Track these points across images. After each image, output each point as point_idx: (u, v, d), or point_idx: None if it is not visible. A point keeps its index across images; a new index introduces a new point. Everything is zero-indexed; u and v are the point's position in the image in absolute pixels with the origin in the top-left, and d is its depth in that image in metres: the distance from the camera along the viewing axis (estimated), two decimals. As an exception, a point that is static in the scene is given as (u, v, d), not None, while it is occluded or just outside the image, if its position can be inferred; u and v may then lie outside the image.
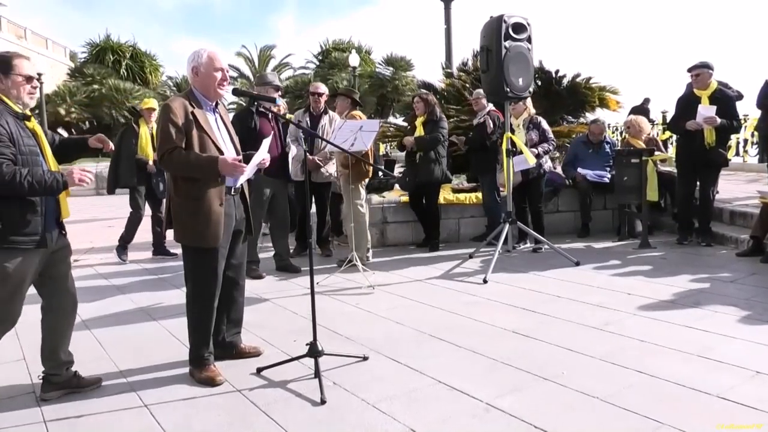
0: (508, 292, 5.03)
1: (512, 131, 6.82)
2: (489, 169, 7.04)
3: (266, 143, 3.48)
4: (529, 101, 6.74)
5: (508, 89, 5.60)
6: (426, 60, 67.72)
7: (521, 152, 6.21)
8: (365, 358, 3.56)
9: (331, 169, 6.58)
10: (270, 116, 6.35)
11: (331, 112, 6.77)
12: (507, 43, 5.58)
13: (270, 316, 4.60)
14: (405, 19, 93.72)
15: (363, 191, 6.24)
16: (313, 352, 3.31)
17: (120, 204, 13.72)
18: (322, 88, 6.78)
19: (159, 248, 7.25)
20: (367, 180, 6.28)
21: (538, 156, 6.46)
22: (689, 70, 6.39)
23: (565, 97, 8.09)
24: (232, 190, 3.41)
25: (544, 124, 6.85)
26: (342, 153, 5.63)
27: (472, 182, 7.98)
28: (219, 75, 3.34)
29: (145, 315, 4.78)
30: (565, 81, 8.85)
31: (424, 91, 8.14)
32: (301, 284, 5.56)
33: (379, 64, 34.60)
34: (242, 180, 3.39)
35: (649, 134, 7.40)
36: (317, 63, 38.30)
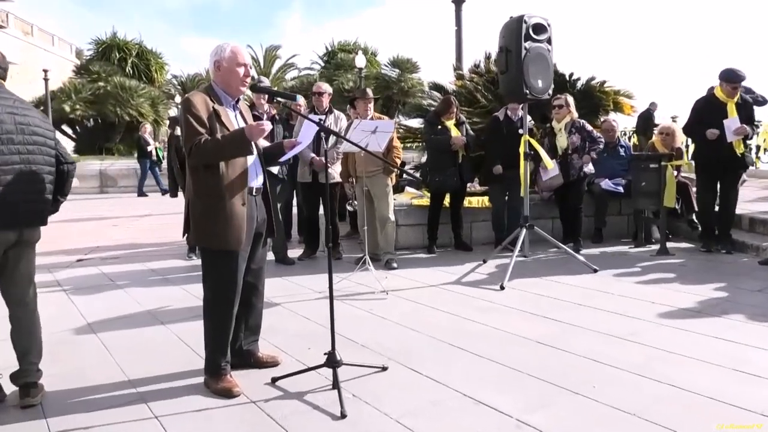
0: (527, 299, 4.88)
1: (554, 135, 6.75)
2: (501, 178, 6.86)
3: (308, 128, 3.45)
4: (572, 104, 6.88)
5: (527, 91, 5.46)
6: (431, 62, 67.61)
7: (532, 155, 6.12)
8: (384, 369, 3.41)
9: (338, 169, 6.48)
10: (264, 118, 6.28)
11: (336, 111, 6.66)
12: (527, 44, 5.44)
13: (281, 322, 4.45)
14: (411, 21, 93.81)
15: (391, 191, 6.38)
16: (332, 362, 3.17)
17: (125, 203, 13.69)
18: (325, 87, 6.66)
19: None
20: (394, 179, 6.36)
21: (573, 168, 6.69)
22: (732, 80, 6.11)
23: (579, 101, 7.86)
24: (254, 190, 3.28)
25: (588, 127, 6.79)
26: (367, 155, 5.60)
27: (484, 185, 7.83)
28: (242, 71, 3.22)
29: (153, 318, 4.65)
30: (579, 84, 8.69)
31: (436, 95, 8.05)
32: (311, 287, 5.42)
33: (385, 65, 34.40)
34: (287, 157, 3.47)
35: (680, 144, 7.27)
36: (322, 64, 38.17)
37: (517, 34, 5.43)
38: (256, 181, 3.31)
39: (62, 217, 11.22)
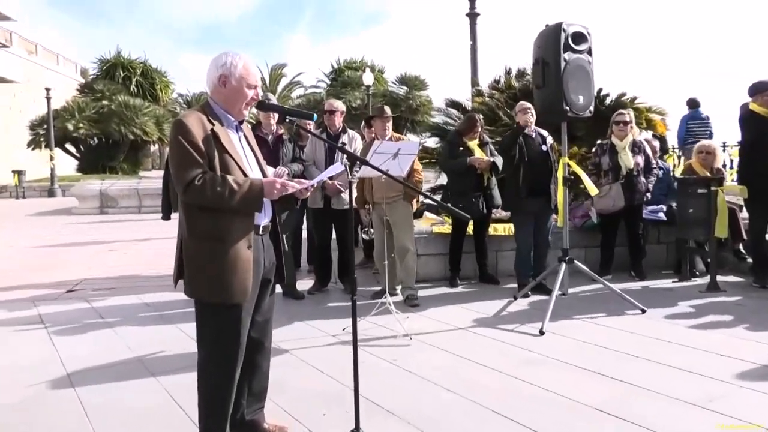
0: (572, 348, 4.24)
1: (615, 153, 6.29)
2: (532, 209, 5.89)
3: (336, 168, 2.90)
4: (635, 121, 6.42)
5: (567, 108, 4.86)
6: (440, 78, 67.49)
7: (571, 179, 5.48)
8: (420, 449, 2.78)
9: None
10: (270, 139, 5.73)
11: (350, 131, 6.10)
12: (566, 55, 4.85)
13: (290, 375, 3.81)
14: (417, 37, 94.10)
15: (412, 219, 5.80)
16: (356, 445, 2.54)
17: (125, 226, 13.10)
18: (337, 105, 6.10)
19: None
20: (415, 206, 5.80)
21: (638, 191, 6.27)
22: (764, 89, 5.65)
23: (609, 118, 7.32)
24: (261, 228, 2.68)
25: (648, 149, 6.23)
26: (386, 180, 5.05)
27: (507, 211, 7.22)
28: (251, 93, 2.65)
29: (143, 368, 4.03)
30: (608, 100, 8.10)
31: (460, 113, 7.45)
32: (324, 329, 4.80)
33: (393, 83, 34.17)
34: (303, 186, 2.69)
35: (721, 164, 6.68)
36: (328, 82, 37.94)
37: (555, 45, 4.85)
38: (265, 218, 2.71)
39: (56, 241, 10.74)
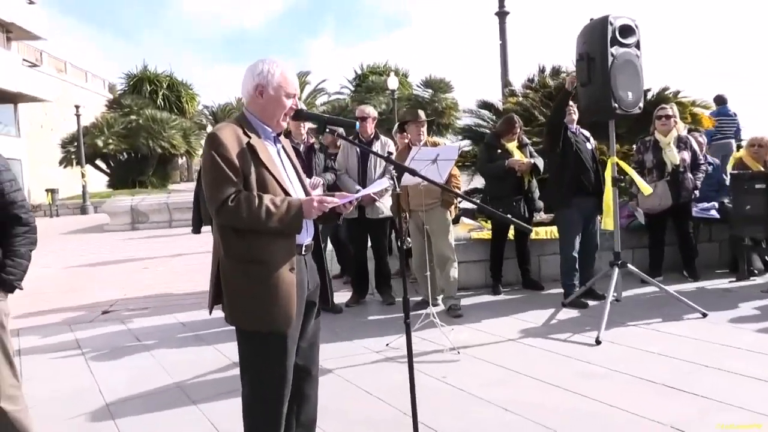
0: (633, 358, 3.97)
1: (659, 150, 6.01)
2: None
3: (382, 183, 2.78)
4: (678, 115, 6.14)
5: (616, 105, 4.59)
6: (465, 81, 67.04)
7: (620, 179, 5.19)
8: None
9: (387, 203, 5.70)
10: (302, 149, 5.57)
11: (383, 138, 5.92)
12: (613, 50, 4.58)
13: (337, 397, 3.60)
14: (440, 39, 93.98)
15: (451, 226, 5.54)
16: (419, 484, 2.33)
17: (156, 242, 13.10)
18: (369, 111, 5.93)
19: None
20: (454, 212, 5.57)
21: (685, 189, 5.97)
22: None
23: (651, 113, 7.00)
24: (303, 248, 2.48)
25: (695, 144, 5.93)
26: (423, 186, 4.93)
27: (549, 213, 6.95)
28: (290, 103, 2.46)
29: (182, 395, 3.87)
30: (650, 95, 7.79)
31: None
32: (367, 346, 4.60)
33: (417, 86, 33.94)
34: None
35: None
36: (352, 88, 37.86)
37: (602, 39, 4.58)
38: (307, 237, 2.51)
39: (89, 260, 10.72)
